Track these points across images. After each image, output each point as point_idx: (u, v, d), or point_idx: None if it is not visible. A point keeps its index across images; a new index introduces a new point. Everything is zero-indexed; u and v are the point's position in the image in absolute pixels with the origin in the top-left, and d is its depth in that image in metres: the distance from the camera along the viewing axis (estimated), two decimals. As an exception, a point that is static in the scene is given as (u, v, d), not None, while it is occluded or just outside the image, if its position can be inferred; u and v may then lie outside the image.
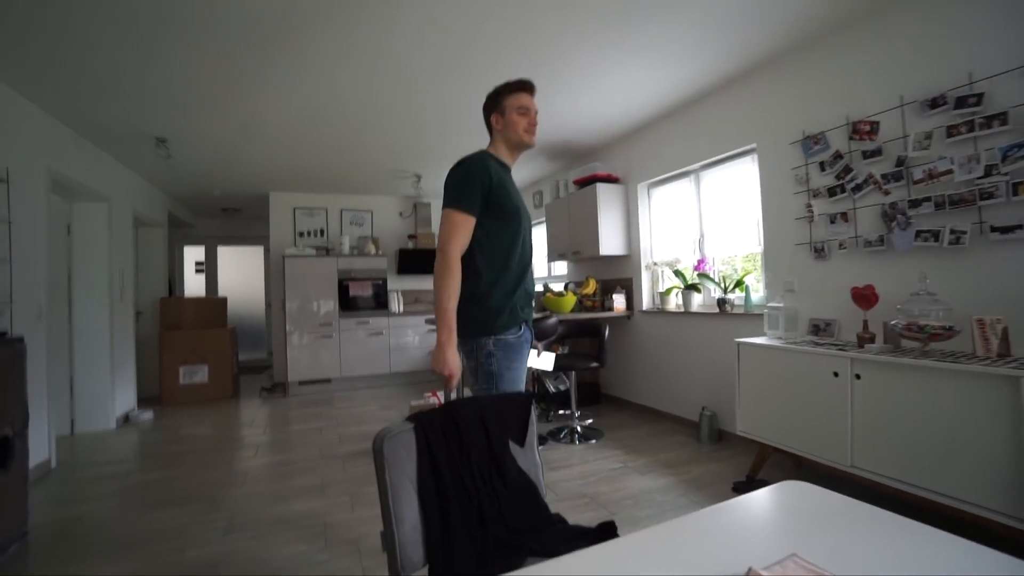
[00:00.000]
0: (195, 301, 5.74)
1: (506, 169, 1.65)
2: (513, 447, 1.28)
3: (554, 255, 5.10)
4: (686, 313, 3.68)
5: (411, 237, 6.54)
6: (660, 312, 3.98)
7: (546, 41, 2.65)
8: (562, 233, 4.88)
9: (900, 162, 2.32)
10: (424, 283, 6.66)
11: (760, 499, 0.90)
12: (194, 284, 7.62)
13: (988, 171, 2.00)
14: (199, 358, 5.30)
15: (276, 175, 5.28)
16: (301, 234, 6.18)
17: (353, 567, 1.95)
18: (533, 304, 1.70)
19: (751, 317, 3.10)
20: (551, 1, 2.30)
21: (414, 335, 6.06)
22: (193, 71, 2.82)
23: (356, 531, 2.24)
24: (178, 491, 2.78)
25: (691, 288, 3.62)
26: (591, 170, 4.40)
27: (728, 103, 3.31)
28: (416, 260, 6.43)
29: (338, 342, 5.75)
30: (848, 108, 2.57)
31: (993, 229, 2.00)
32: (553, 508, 1.29)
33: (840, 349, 2.20)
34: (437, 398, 4.29)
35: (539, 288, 4.95)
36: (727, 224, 3.48)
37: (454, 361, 1.44)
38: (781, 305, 2.65)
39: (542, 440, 3.47)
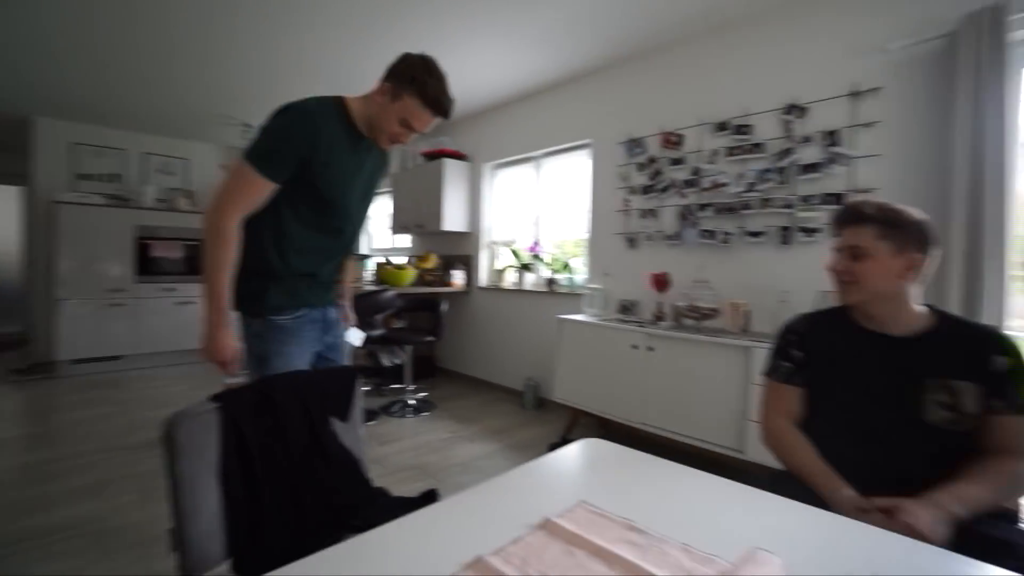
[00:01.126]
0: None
1: (354, 138, 1.32)
2: (336, 423, 1.25)
3: (398, 227, 4.97)
4: (519, 291, 3.94)
5: (233, 194, 5.73)
6: (496, 289, 4.20)
7: (401, 11, 2.52)
8: (407, 206, 4.78)
9: (695, 172, 2.79)
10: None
11: (559, 457, 1.03)
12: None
13: (749, 187, 2.53)
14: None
15: (46, 95, 4.09)
16: (85, 176, 4.95)
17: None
18: (334, 283, 1.52)
19: (574, 296, 3.46)
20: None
21: (234, 306, 5.38)
22: None
23: (147, 532, 1.93)
24: None
25: (525, 268, 3.88)
26: (439, 144, 4.37)
27: (571, 98, 3.57)
28: (239, 221, 5.67)
29: (134, 312, 4.82)
30: (662, 120, 2.98)
31: (748, 233, 2.55)
32: (382, 481, 1.29)
33: (639, 326, 2.60)
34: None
35: (380, 260, 4.79)
36: (561, 210, 3.79)
37: (225, 343, 1.23)
38: (598, 287, 3.01)
39: (374, 415, 3.43)
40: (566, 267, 3.69)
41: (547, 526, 0.73)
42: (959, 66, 1.86)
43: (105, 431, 3.07)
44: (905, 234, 1.07)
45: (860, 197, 2.15)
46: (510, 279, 4.14)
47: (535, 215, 3.96)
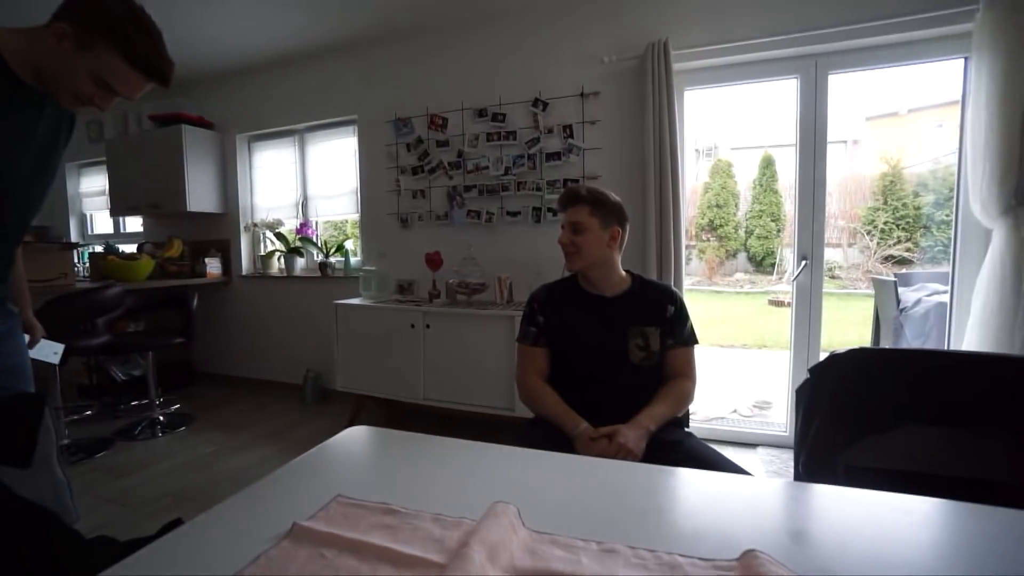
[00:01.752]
0: None
1: (8, 86, 0.99)
2: (12, 473, 0.96)
3: (123, 208, 3.97)
4: (289, 277, 3.60)
5: None
6: (262, 277, 3.75)
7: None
8: (134, 181, 3.82)
9: (460, 154, 2.93)
10: None
11: (317, 454, 1.00)
12: None
13: (506, 171, 2.79)
14: None
15: None
16: None
17: None
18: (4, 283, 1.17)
19: (350, 280, 3.33)
20: None
21: None
22: None
23: None
24: None
25: (294, 252, 3.56)
26: (175, 107, 3.60)
27: (336, 70, 3.33)
28: None
29: None
30: (429, 101, 3.02)
31: (507, 213, 2.82)
32: (123, 521, 1.07)
33: (416, 304, 2.66)
34: None
35: (98, 248, 3.78)
36: (330, 190, 3.55)
37: None
38: (374, 269, 2.96)
39: (105, 443, 2.75)
40: (340, 249, 3.50)
41: (294, 532, 0.71)
42: (645, 82, 2.39)
43: None
44: (608, 211, 1.36)
45: (588, 182, 2.60)
46: (277, 265, 3.74)
47: (302, 195, 3.63)
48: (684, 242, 2.52)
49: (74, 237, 4.71)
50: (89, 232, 4.81)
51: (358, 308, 2.78)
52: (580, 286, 1.43)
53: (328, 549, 0.68)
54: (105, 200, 4.24)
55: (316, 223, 3.64)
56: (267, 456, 2.57)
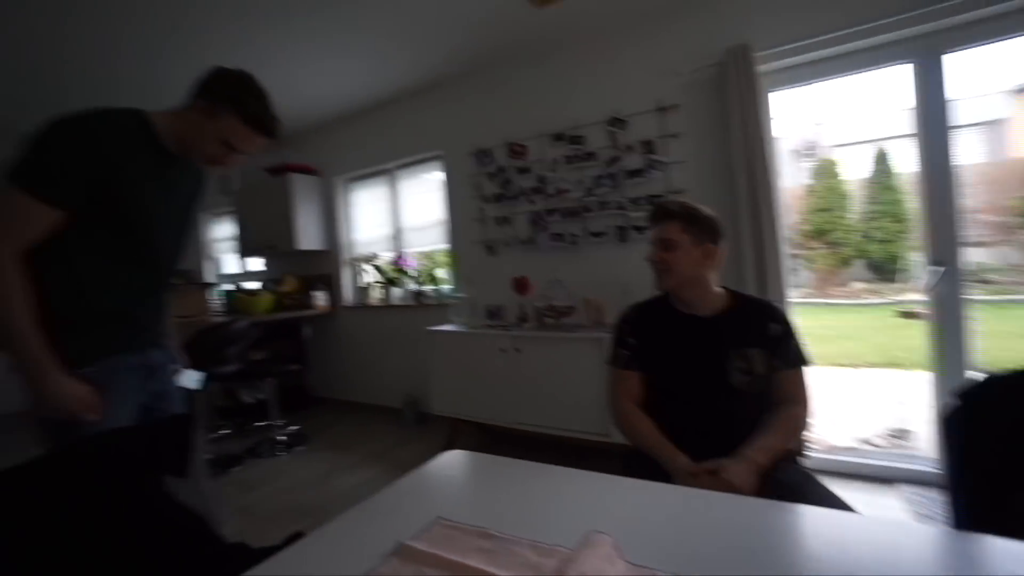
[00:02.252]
0: None
1: (163, 157, 1.17)
2: (173, 482, 1.11)
3: (246, 250, 4.53)
4: (387, 306, 3.85)
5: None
6: (363, 307, 4.05)
7: (240, 12, 2.33)
8: (255, 226, 4.37)
9: (541, 180, 2.99)
10: None
11: (417, 476, 1.04)
12: None
13: (588, 192, 2.79)
14: None
15: None
16: None
17: None
18: (155, 323, 1.32)
19: (442, 307, 3.48)
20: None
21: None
22: None
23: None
24: None
25: (391, 283, 3.81)
26: (283, 158, 4.08)
27: (420, 110, 3.58)
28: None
29: None
30: (507, 131, 3.13)
31: (592, 234, 2.81)
32: (252, 531, 1.19)
33: (505, 329, 2.71)
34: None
35: (229, 287, 4.33)
36: (422, 222, 3.78)
37: (63, 391, 1.04)
38: (464, 295, 3.07)
39: (237, 459, 3.09)
40: (432, 278, 3.70)
41: (401, 552, 0.75)
42: (727, 89, 2.29)
43: None
44: (701, 227, 1.29)
45: (674, 197, 2.52)
46: (376, 295, 4.02)
47: (395, 228, 3.90)
48: (786, 252, 2.33)
49: (209, 278, 5.45)
50: (220, 272, 5.53)
51: (451, 334, 2.90)
52: (672, 305, 1.37)
53: (431, 569, 0.71)
54: (232, 244, 4.87)
55: (409, 254, 3.88)
56: (373, 476, 2.73)
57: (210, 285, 4.49)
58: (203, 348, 2.93)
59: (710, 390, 1.25)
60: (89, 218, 1.09)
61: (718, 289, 1.34)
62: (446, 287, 3.61)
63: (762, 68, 2.27)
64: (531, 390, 2.58)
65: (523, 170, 3.06)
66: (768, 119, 2.27)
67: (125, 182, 1.10)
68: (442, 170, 3.52)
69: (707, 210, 1.32)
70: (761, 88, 2.24)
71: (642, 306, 1.45)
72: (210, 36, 2.56)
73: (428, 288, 3.69)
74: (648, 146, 2.61)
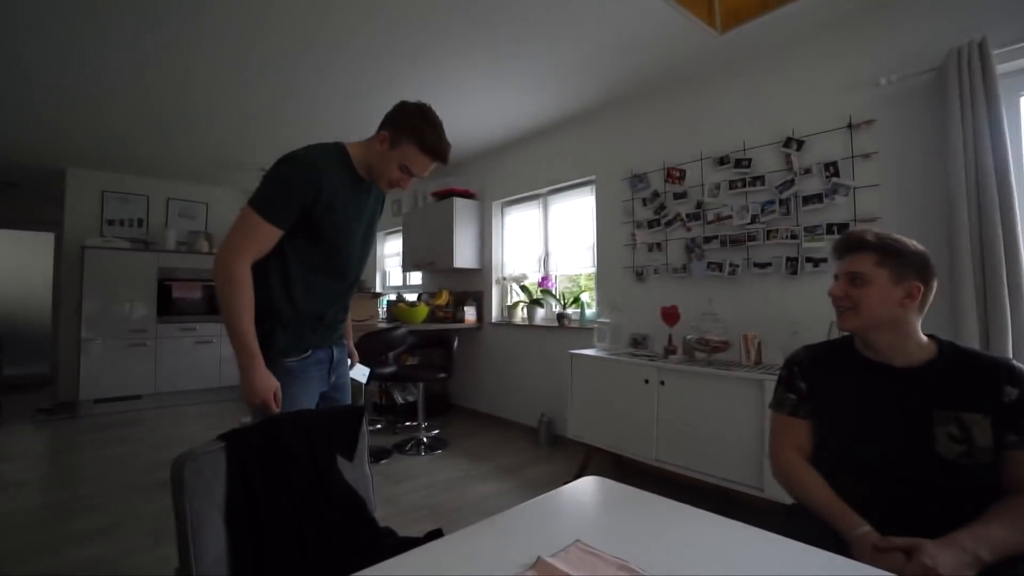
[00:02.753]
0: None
1: (355, 182, 1.39)
2: (342, 462, 1.26)
3: (409, 265, 5.07)
4: (530, 326, 3.95)
5: (253, 236, 5.92)
6: (507, 324, 4.21)
7: (413, 51, 2.67)
8: (418, 244, 4.88)
9: (699, 205, 2.82)
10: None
11: (559, 495, 1.03)
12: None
13: (753, 219, 2.55)
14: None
15: (78, 146, 4.36)
16: (111, 222, 5.21)
17: (151, 614, 1.70)
18: (339, 323, 1.53)
19: (585, 331, 3.45)
20: (425, 17, 2.33)
21: (251, 344, 5.48)
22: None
23: (158, 572, 1.95)
24: None
25: (535, 303, 3.91)
26: (447, 184, 4.50)
27: (575, 137, 3.68)
28: (258, 262, 5.85)
29: (154, 351, 4.95)
30: (664, 155, 3.04)
31: (755, 265, 2.55)
32: (393, 521, 1.30)
33: (650, 359, 2.58)
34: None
35: (392, 297, 4.87)
36: (569, 245, 3.84)
37: (264, 384, 1.24)
38: (608, 321, 3.01)
39: (387, 453, 3.41)
40: (577, 301, 3.70)
41: (539, 566, 0.74)
42: (948, 98, 1.90)
43: (122, 471, 3.11)
44: (904, 262, 1.07)
45: (863, 226, 2.17)
46: (521, 314, 4.16)
47: (543, 250, 4.02)
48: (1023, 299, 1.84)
49: (378, 288, 6.21)
50: (387, 284, 6.25)
51: (592, 359, 2.86)
52: (857, 350, 1.17)
53: (569, 591, 0.68)
54: (398, 259, 5.48)
55: (556, 276, 3.96)
56: (504, 489, 2.78)
57: (379, 295, 5.11)
58: (368, 350, 3.32)
59: (905, 456, 1.02)
60: (299, 235, 1.31)
61: (923, 337, 1.10)
62: (589, 311, 3.58)
63: (1004, 68, 1.85)
64: (674, 427, 2.40)
65: (679, 195, 2.93)
66: (1008, 131, 1.83)
67: (327, 204, 1.30)
68: (594, 195, 3.54)
69: (913, 243, 1.10)
70: (1002, 92, 1.82)
71: (817, 348, 1.25)
72: (394, 79, 2.96)
73: (571, 311, 3.71)
74: (832, 168, 2.30)
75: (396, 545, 1.23)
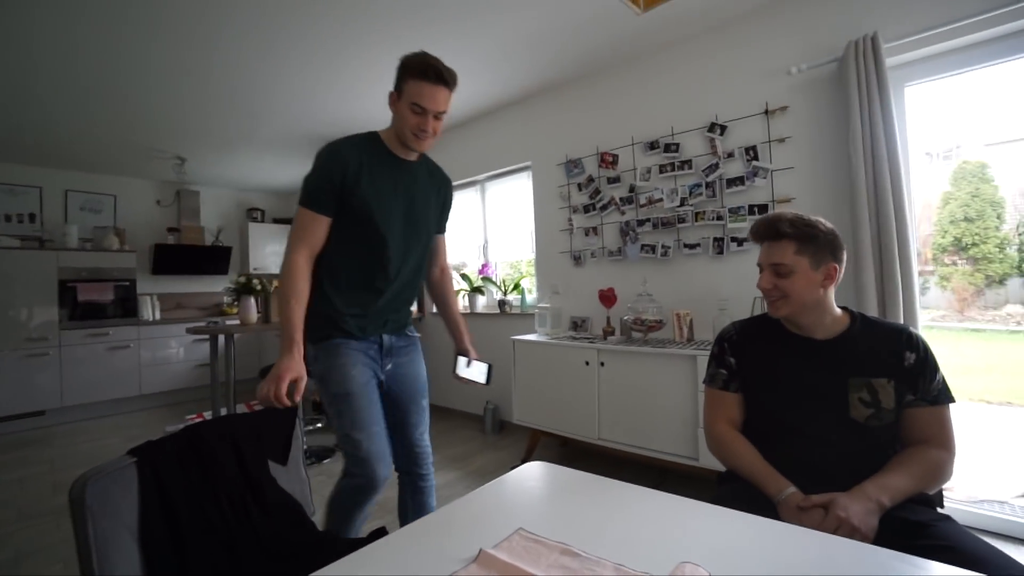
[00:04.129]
0: None
1: (387, 157, 1.39)
2: (274, 467, 1.20)
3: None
4: (472, 314, 3.93)
5: (172, 231, 5.48)
6: (451, 313, 4.16)
7: (335, 31, 2.52)
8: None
9: (632, 189, 2.90)
10: (188, 285, 5.67)
11: (500, 485, 1.03)
12: None
13: (682, 202, 2.65)
14: None
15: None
16: (-1, 219, 4.62)
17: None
18: (393, 313, 1.49)
19: (526, 317, 3.48)
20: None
21: (177, 346, 5.10)
22: None
23: (74, 601, 1.78)
24: None
25: (476, 291, 3.89)
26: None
27: (510, 123, 3.65)
28: (179, 258, 5.42)
29: (58, 361, 4.47)
30: (598, 140, 3.09)
31: (685, 246, 2.66)
32: None
33: (590, 341, 2.64)
34: (203, 418, 3.69)
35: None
36: (508, 232, 3.83)
37: (284, 366, 1.22)
38: (548, 306, 3.05)
39: (329, 452, 3.30)
40: (517, 288, 3.72)
41: (481, 559, 0.73)
42: (848, 86, 2.06)
43: (24, 496, 2.80)
44: (820, 247, 1.13)
45: (781, 207, 2.32)
46: (462, 303, 4.12)
47: (482, 238, 3.99)
48: (916, 268, 2.05)
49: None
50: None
51: (534, 344, 2.89)
52: (782, 326, 1.24)
53: (510, 580, 0.68)
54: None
55: (495, 263, 3.94)
56: (452, 479, 2.77)
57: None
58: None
59: (824, 422, 1.11)
60: (339, 221, 1.34)
61: (837, 310, 1.19)
62: (530, 297, 3.61)
63: (892, 60, 2.02)
64: (615, 406, 2.48)
65: (613, 180, 2.99)
66: (896, 118, 2.01)
67: (354, 179, 1.33)
68: (531, 180, 3.54)
69: (824, 223, 1.16)
70: (891, 82, 1.99)
71: (745, 324, 1.32)
72: (322, 55, 2.80)
73: (512, 297, 3.72)
74: (752, 152, 2.43)
75: (338, 549, 1.19)
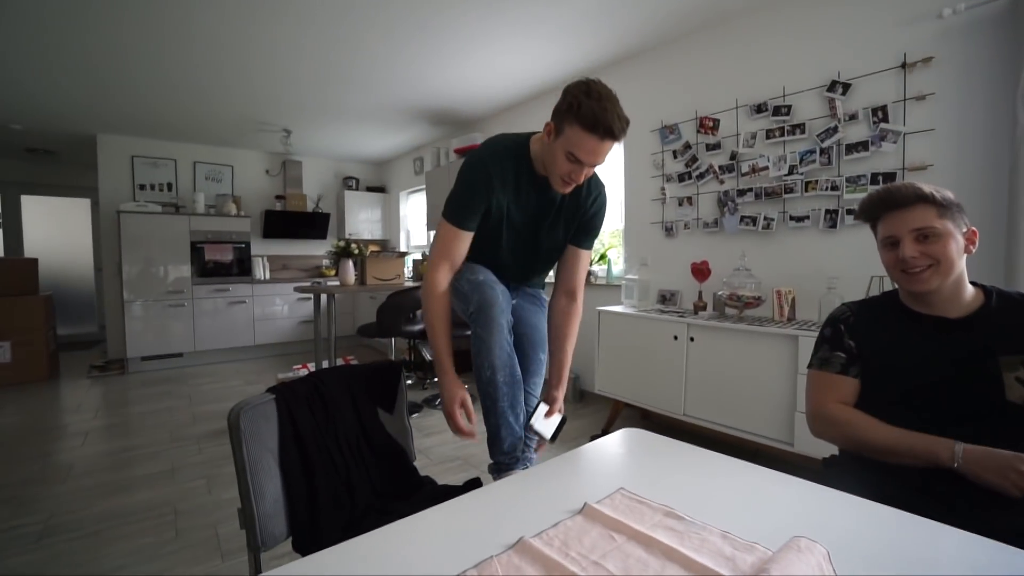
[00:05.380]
0: (-13, 263, 4.68)
1: (537, 186, 1.29)
2: (382, 414, 1.31)
3: (434, 224, 5.05)
4: (557, 284, 3.93)
5: (279, 198, 5.99)
6: (534, 282, 4.20)
7: (429, 3, 2.56)
8: (442, 201, 4.80)
9: (733, 156, 2.71)
10: (293, 248, 6.20)
11: (599, 446, 1.05)
12: (-16, 242, 6.14)
13: (791, 170, 2.44)
14: (-5, 333, 4.37)
15: (107, 114, 4.41)
16: (143, 187, 5.31)
17: (210, 553, 1.83)
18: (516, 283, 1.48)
19: (612, 288, 3.43)
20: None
21: (283, 304, 5.65)
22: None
23: (214, 515, 2.10)
24: (-32, 496, 2.29)
25: (562, 260, 3.88)
26: (472, 140, 4.41)
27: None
28: (284, 223, 5.94)
29: (191, 312, 5.14)
30: (697, 104, 2.90)
31: (791, 218, 2.46)
32: (428, 471, 1.35)
33: (680, 316, 2.56)
34: (308, 369, 4.09)
35: (417, 256, 4.89)
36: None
37: (447, 395, 1.26)
38: (636, 277, 2.98)
39: (417, 407, 3.53)
40: (603, 258, 3.66)
41: (587, 511, 0.76)
42: (1022, 30, 1.73)
43: (172, 422, 3.30)
44: (956, 209, 1.04)
45: (911, 177, 2.06)
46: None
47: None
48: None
49: (402, 247, 6.24)
50: (410, 243, 6.27)
51: (620, 315, 2.85)
52: (905, 305, 1.13)
53: (617, 533, 0.70)
54: (421, 217, 5.47)
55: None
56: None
57: (404, 254, 5.13)
58: (398, 307, 3.38)
59: (976, 405, 1.00)
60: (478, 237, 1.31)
61: (970, 285, 1.07)
62: (616, 268, 3.55)
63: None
64: (704, 382, 2.40)
65: (712, 146, 2.81)
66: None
67: (502, 207, 1.28)
68: (621, 147, 3.42)
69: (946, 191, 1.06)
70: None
71: (862, 304, 1.21)
72: (418, 32, 2.85)
73: (599, 268, 3.67)
74: (880, 113, 2.16)
75: (436, 492, 1.28)
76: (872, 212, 1.12)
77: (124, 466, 2.62)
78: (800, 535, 0.67)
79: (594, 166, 1.18)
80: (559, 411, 1.37)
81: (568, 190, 1.24)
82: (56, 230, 6.44)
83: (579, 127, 1.09)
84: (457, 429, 1.24)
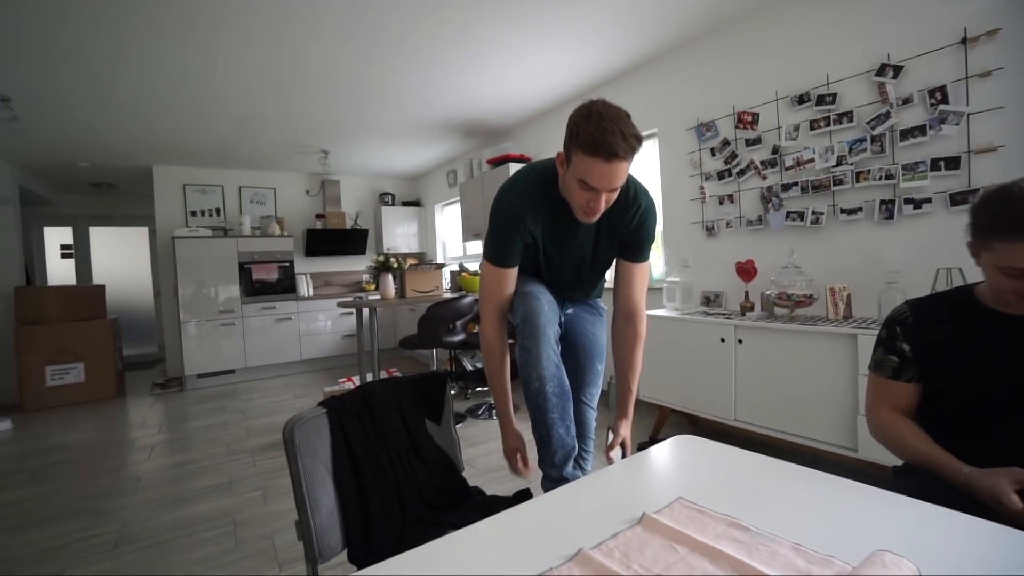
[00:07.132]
0: (62, 290, 5.02)
1: (568, 222, 1.24)
2: (430, 425, 1.31)
3: (469, 235, 5.10)
4: (595, 289, 3.88)
5: (319, 217, 6.20)
6: (572, 289, 4.16)
7: (458, 17, 2.60)
8: (476, 213, 4.88)
9: (775, 150, 2.61)
10: (333, 265, 6.39)
11: (654, 454, 1.01)
12: (61, 271, 6.62)
13: (839, 161, 2.33)
14: (71, 355, 4.68)
15: (160, 147, 4.71)
16: (194, 213, 5.62)
17: (268, 562, 1.89)
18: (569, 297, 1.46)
19: (653, 291, 3.35)
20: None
21: (326, 319, 5.82)
22: (41, 18, 2.42)
23: (270, 525, 2.16)
24: (50, 508, 2.46)
25: (600, 265, 3.82)
26: (504, 150, 4.43)
27: (633, 89, 3.48)
28: (325, 241, 6.13)
29: (241, 330, 5.36)
30: (734, 99, 2.82)
31: (842, 211, 2.34)
32: (475, 481, 1.35)
33: (726, 318, 2.47)
34: (352, 382, 4.18)
35: (455, 268, 4.94)
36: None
37: (507, 446, 1.32)
38: (678, 279, 2.90)
39: (460, 417, 3.54)
40: (641, 261, 3.59)
41: (646, 522, 0.73)
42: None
43: (228, 436, 3.44)
44: None
45: (976, 159, 1.92)
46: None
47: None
48: None
49: (439, 259, 6.33)
50: (446, 255, 6.35)
51: (663, 319, 2.78)
52: (983, 304, 1.04)
53: (679, 545, 0.67)
54: (457, 229, 5.54)
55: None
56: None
57: (441, 265, 5.20)
58: (438, 319, 3.42)
59: None
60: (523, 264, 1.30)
61: None
62: (657, 271, 3.47)
63: None
64: (756, 386, 2.31)
65: (752, 141, 2.72)
66: None
67: (536, 241, 1.27)
68: (657, 148, 3.36)
69: None
70: None
71: (924, 303, 1.13)
72: (445, 40, 2.90)
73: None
74: (938, 94, 2.03)
75: (486, 503, 1.28)
76: (1007, 233, 0.91)
77: (186, 479, 2.74)
78: (883, 549, 0.62)
79: (610, 191, 1.10)
80: (621, 444, 1.35)
81: (592, 219, 1.17)
82: (119, 257, 6.91)
83: (583, 153, 1.05)
84: (518, 473, 1.31)
